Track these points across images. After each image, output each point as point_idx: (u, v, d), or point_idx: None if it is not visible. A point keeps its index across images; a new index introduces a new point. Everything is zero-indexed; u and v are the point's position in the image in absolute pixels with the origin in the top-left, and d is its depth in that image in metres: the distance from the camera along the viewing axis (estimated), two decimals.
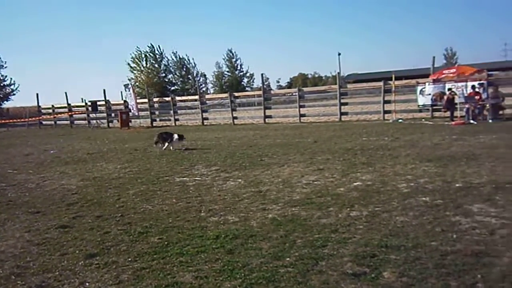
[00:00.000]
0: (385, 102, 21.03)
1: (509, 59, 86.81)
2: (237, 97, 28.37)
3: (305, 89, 31.01)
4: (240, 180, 8.35)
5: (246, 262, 4.25)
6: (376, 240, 4.63)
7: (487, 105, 16.88)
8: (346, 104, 23.42)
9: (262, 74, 29.51)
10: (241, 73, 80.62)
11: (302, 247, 4.55)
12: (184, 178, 8.88)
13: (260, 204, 6.46)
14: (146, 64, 66.34)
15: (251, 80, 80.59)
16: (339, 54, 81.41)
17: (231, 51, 79.75)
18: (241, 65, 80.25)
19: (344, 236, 4.81)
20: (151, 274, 4.12)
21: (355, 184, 7.35)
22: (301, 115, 23.77)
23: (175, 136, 13.70)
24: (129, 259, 4.55)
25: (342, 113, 22.53)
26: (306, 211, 5.92)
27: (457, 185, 6.80)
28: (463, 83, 18.35)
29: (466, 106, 17.09)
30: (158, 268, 4.26)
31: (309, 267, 4.03)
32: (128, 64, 65.81)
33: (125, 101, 30.80)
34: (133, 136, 21.59)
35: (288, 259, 4.26)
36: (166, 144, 13.63)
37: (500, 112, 16.93)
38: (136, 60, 65.90)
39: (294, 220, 5.54)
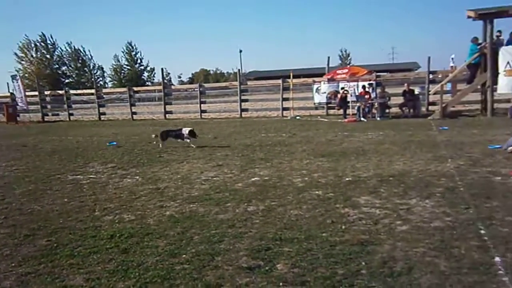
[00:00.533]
0: (284, 99, 21.70)
1: (396, 62, 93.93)
2: (137, 92, 27.61)
3: (206, 85, 30.97)
4: (137, 177, 8.14)
5: (141, 261, 4.17)
6: (271, 233, 4.77)
7: (376, 104, 18.10)
8: (246, 100, 23.79)
9: (162, 69, 29.16)
10: (141, 67, 78.45)
11: (199, 243, 4.55)
12: (78, 176, 8.45)
13: (158, 201, 6.35)
14: (36, 54, 62.03)
15: (152, 75, 78.77)
16: (241, 51, 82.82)
17: (130, 44, 77.18)
18: (141, 59, 78.10)
19: (240, 231, 4.90)
20: (38, 279, 3.88)
21: (253, 179, 7.51)
22: (202, 111, 23.73)
23: (185, 131, 11.79)
24: (13, 264, 4.24)
25: (242, 110, 22.86)
26: (204, 207, 5.93)
27: (347, 179, 7.21)
28: (355, 83, 19.51)
29: (357, 104, 18.19)
30: (46, 272, 4.02)
31: (205, 263, 4.05)
32: (15, 53, 61.13)
33: (12, 93, 28.52)
34: (21, 131, 20.10)
35: (184, 256, 4.24)
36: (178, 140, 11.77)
37: (387, 110, 18.25)
38: (25, 49, 61.36)
39: (192, 216, 5.53)
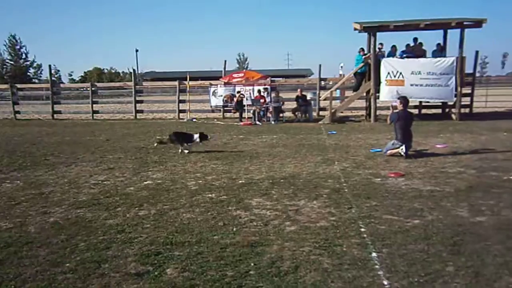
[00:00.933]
0: (180, 101, 21.48)
1: (291, 68, 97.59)
2: (21, 89, 25.58)
3: (99, 84, 29.73)
4: (18, 181, 7.55)
5: (19, 272, 3.87)
6: (162, 238, 4.69)
7: (270, 108, 18.62)
8: (141, 102, 23.18)
9: (50, 66, 27.24)
10: (27, 63, 72.90)
11: (85, 251, 4.34)
12: None
13: (41, 207, 5.94)
14: None
15: (39, 72, 73.53)
16: (137, 50, 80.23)
17: (14, 37, 71.31)
18: (26, 54, 72.56)
19: (130, 236, 4.75)
20: None
21: (145, 183, 7.33)
22: (94, 112, 22.64)
23: (196, 136, 10.70)
24: None
25: (137, 111, 22.22)
26: (92, 212, 5.67)
27: (240, 181, 7.33)
28: (251, 87, 19.93)
29: (253, 108, 18.59)
30: None
31: (91, 271, 3.87)
32: None
33: None
34: None
35: (68, 264, 4.02)
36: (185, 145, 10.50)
37: (281, 114, 18.86)
38: None
39: (78, 222, 5.26)
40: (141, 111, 22.56)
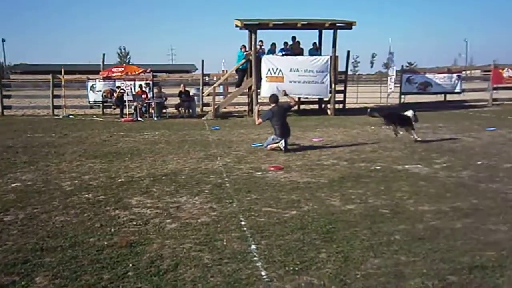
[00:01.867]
0: (55, 96, 20.01)
1: (175, 63, 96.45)
2: None
3: None
4: None
5: None
6: (31, 244, 4.35)
7: (153, 103, 18.20)
8: (9, 97, 21.16)
9: None
10: None
11: None
12: None
13: None
14: None
15: None
16: (3, 40, 73.37)
17: None
18: None
19: None
20: None
21: (13, 185, 6.75)
22: None
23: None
24: None
25: (4, 107, 20.19)
26: None
27: (120, 180, 7.07)
28: (132, 82, 19.26)
29: (134, 104, 18.00)
30: None
31: None
32: None
33: None
34: None
35: None
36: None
37: (164, 110, 18.51)
38: None
39: None
40: (9, 107, 20.59)
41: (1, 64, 20.46)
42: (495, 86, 21.67)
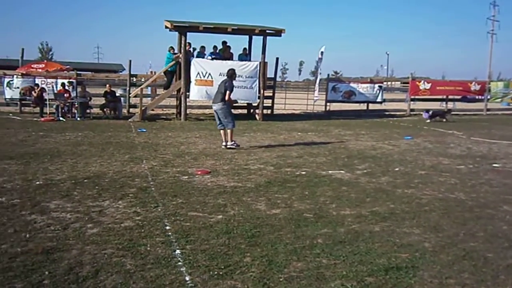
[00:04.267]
0: None
1: (102, 62, 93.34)
2: None
3: None
4: None
5: None
6: None
7: (76, 103, 17.45)
8: None
9: None
10: None
11: None
12: None
13: None
14: None
15: None
16: None
17: None
18: None
19: None
20: None
21: None
22: None
23: None
24: None
25: None
26: None
27: (38, 182, 6.71)
28: (54, 80, 18.36)
29: (56, 103, 17.17)
30: None
31: None
32: None
33: None
34: None
35: None
36: None
37: (88, 110, 17.81)
38: None
39: None
40: None
41: None
42: (412, 97, 23.05)
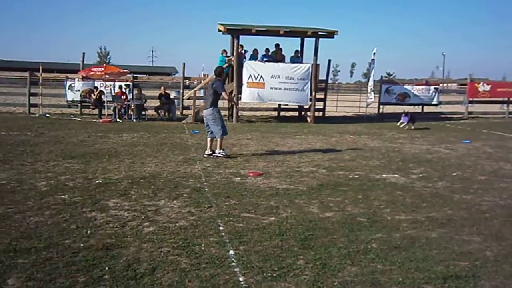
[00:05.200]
0: (32, 94, 19.68)
1: (156, 65, 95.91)
2: None
3: None
4: None
5: None
6: (3, 245, 4.25)
7: (132, 105, 18.03)
8: None
9: None
10: None
11: None
12: None
13: None
14: None
15: None
16: None
17: None
18: None
19: None
20: None
21: None
22: None
23: None
24: None
25: None
26: None
27: (97, 181, 6.97)
28: (112, 83, 19.06)
29: (113, 105, 17.82)
30: None
31: None
32: None
33: None
34: None
35: None
36: None
37: (143, 112, 18.36)
38: None
39: None
40: None
41: None
42: (470, 99, 22.16)
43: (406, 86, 21.60)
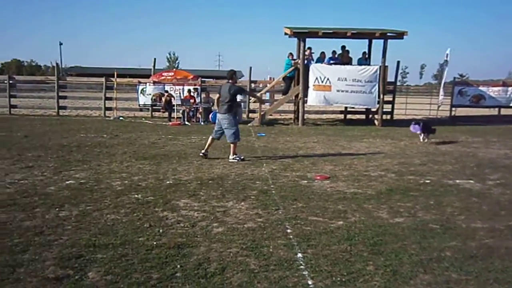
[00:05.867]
0: (107, 98, 20.74)
1: (222, 69, 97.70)
2: None
3: (18, 77, 28.01)
4: None
5: None
6: (84, 240, 4.50)
7: (200, 108, 18.49)
8: (65, 97, 22.08)
9: None
10: None
11: None
12: None
13: None
14: None
15: None
16: (61, 44, 76.86)
17: None
18: None
19: (49, 239, 4.51)
20: None
21: (67, 182, 7.00)
22: (12, 106, 21.25)
23: None
24: None
25: (60, 107, 21.14)
26: (7, 213, 5.33)
27: (168, 182, 7.21)
28: (181, 87, 19.66)
29: (182, 108, 18.36)
30: None
31: (4, 276, 3.64)
32: None
33: None
34: None
35: None
36: None
37: (210, 115, 18.76)
38: None
39: None
40: (64, 107, 21.50)
41: (58, 66, 21.49)
42: None
43: (481, 88, 20.52)
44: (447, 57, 19.10)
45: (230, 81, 9.55)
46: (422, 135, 12.90)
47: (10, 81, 21.67)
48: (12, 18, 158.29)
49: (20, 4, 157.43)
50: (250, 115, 19.92)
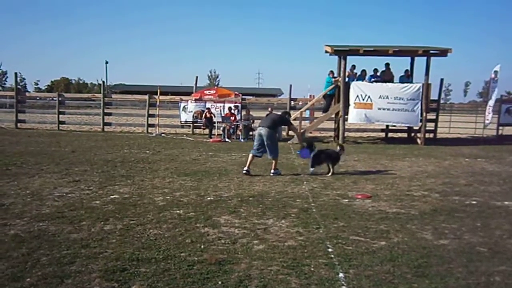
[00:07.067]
0: (150, 115, 21.29)
1: (261, 86, 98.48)
2: None
3: (66, 94, 29.12)
4: None
5: None
6: (128, 253, 4.60)
7: (240, 125, 18.67)
8: (110, 114, 22.83)
9: (16, 73, 26.41)
10: None
11: (47, 265, 4.21)
12: None
13: (0, 219, 5.73)
14: None
15: (3, 79, 71.87)
16: (107, 62, 79.54)
17: None
18: None
19: (95, 251, 4.64)
20: None
21: (112, 197, 7.19)
22: (60, 122, 22.15)
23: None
24: None
25: (105, 123, 21.86)
26: (56, 225, 5.52)
27: (209, 198, 7.28)
28: (221, 104, 19.96)
29: (223, 125, 18.59)
30: None
31: (53, 287, 3.75)
32: None
33: None
34: None
35: (28, 279, 3.88)
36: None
37: (251, 132, 18.89)
38: None
39: (41, 236, 5.10)
40: (109, 124, 22.21)
41: (104, 84, 22.28)
42: None
43: None
44: (496, 74, 18.55)
45: (285, 116, 10.62)
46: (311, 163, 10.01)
47: (59, 98, 22.60)
48: (61, 38, 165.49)
49: (68, 26, 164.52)
50: (290, 132, 19.91)
